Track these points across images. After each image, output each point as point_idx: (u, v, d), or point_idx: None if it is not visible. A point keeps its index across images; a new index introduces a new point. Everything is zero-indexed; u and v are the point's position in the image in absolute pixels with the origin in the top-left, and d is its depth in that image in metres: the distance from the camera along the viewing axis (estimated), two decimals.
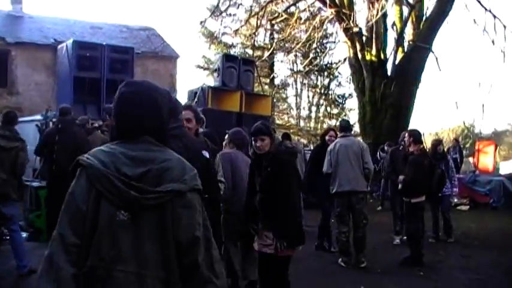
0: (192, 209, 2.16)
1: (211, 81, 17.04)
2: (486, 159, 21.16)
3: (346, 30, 17.28)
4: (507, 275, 7.87)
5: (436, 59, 18.41)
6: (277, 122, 30.78)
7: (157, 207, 2.10)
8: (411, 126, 16.73)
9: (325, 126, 34.45)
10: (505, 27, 17.73)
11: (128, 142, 2.23)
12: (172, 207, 2.11)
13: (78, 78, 10.93)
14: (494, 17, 17.96)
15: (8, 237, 8.01)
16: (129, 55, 12.01)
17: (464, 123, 33.85)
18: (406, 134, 8.90)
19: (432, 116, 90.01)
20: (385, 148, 12.71)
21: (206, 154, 3.86)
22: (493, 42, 17.97)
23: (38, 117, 11.20)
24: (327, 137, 9.31)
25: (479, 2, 17.72)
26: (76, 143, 7.72)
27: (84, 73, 11.05)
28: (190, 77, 47.45)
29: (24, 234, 8.61)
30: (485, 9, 17.91)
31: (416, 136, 8.52)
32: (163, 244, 2.11)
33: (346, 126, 9.13)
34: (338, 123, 17.10)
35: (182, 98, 25.96)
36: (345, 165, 8.17)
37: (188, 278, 2.17)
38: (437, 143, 10.73)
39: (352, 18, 16.32)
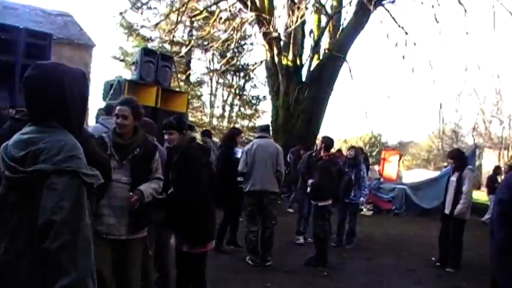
0: (54, 192, 2.09)
1: (127, 73, 16.90)
2: (390, 167, 22.00)
3: (265, 34, 17.53)
4: (403, 277, 8.32)
5: (350, 68, 19.05)
6: (191, 119, 30.75)
7: (29, 187, 2.11)
8: (322, 132, 17.25)
9: (238, 126, 34.75)
10: (415, 44, 18.59)
11: (31, 125, 2.27)
12: (40, 188, 2.09)
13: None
14: (406, 33, 18.79)
15: None
16: (46, 41, 11.70)
17: (372, 132, 35.12)
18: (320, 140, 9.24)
19: (343, 123, 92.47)
20: (299, 152, 13.06)
21: None
22: (403, 57, 18.81)
23: None
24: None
25: (393, 18, 18.48)
26: None
27: None
28: (106, 68, 46.55)
29: None
30: (399, 25, 18.70)
31: (327, 143, 8.85)
32: (28, 224, 2.10)
33: (265, 129, 9.35)
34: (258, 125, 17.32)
35: (97, 88, 25.62)
36: (260, 166, 8.37)
37: (45, 263, 2.08)
38: (349, 149, 11.14)
39: (271, 22, 16.59)
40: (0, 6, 24.60)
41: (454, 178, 9.15)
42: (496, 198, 3.28)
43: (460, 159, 9.27)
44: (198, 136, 11.39)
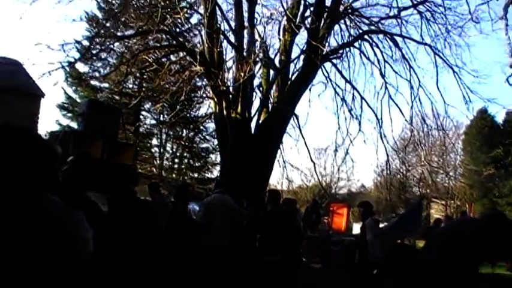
0: None
1: (74, 124, 16.70)
2: (339, 219, 22.21)
3: (214, 87, 17.61)
4: None
5: (298, 122, 19.31)
6: (140, 171, 30.47)
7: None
8: (271, 184, 17.30)
9: (187, 178, 34.60)
10: (362, 98, 19.03)
11: None
12: None
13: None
14: (354, 88, 19.24)
15: None
16: None
17: (320, 184, 35.33)
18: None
19: (292, 174, 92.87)
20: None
21: None
22: (350, 111, 19.21)
23: None
24: None
25: (340, 73, 18.92)
26: None
27: None
28: (51, 117, 45.88)
29: None
30: (346, 80, 19.15)
31: (271, 196, 8.89)
32: None
33: (221, 183, 9.38)
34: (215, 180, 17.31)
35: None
36: (219, 220, 8.34)
37: None
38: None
39: (220, 76, 16.71)
40: None
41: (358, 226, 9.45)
42: (428, 255, 3.27)
43: (366, 209, 9.52)
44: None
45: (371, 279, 9.35)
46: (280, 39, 18.56)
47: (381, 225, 13.18)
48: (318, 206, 22.06)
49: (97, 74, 29.98)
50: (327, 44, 17.91)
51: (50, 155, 2.38)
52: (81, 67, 30.17)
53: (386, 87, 19.44)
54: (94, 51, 20.13)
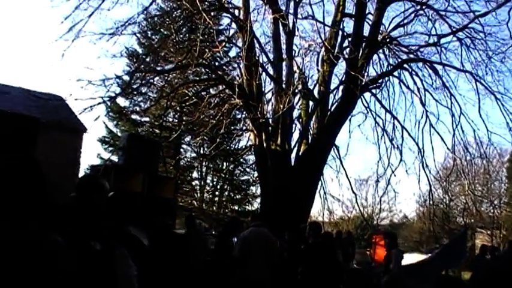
0: None
1: (115, 158, 16.86)
2: (382, 251, 21.80)
3: (253, 120, 17.60)
4: None
5: (339, 153, 19.14)
6: (180, 204, 30.52)
7: None
8: (312, 216, 17.12)
9: (227, 211, 34.55)
10: (403, 127, 18.79)
11: None
12: None
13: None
14: (394, 117, 19.02)
15: None
16: (33, 125, 11.74)
17: (362, 215, 34.88)
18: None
19: (333, 206, 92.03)
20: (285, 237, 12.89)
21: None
22: (390, 141, 18.97)
23: None
24: None
25: (380, 103, 18.75)
26: None
27: None
28: (93, 151, 46.61)
29: None
30: (386, 109, 18.96)
31: (312, 228, 8.74)
32: None
33: (259, 216, 9.29)
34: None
35: (84, 172, 25.48)
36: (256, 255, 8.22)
37: None
38: None
39: (259, 108, 16.70)
40: None
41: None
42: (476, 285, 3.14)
43: (391, 239, 9.33)
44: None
45: None
46: (318, 70, 18.54)
47: (424, 256, 12.91)
48: (351, 238, 21.72)
49: (137, 108, 30.38)
50: (366, 74, 17.78)
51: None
52: (122, 102, 30.63)
53: (427, 116, 19.14)
54: (134, 86, 20.36)
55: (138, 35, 27.20)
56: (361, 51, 17.39)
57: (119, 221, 4.26)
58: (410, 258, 24.94)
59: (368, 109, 19.73)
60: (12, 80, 65.52)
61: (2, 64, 64.85)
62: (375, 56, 19.16)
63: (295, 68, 18.03)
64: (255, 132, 18.31)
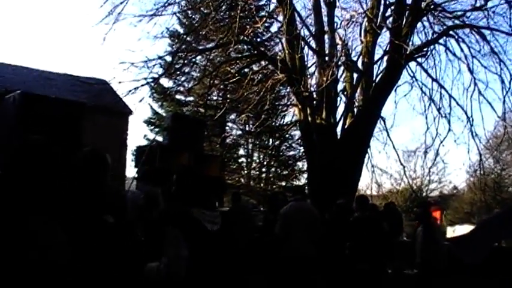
0: None
1: (160, 138, 16.97)
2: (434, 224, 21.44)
3: (297, 94, 17.47)
4: None
5: (385, 125, 18.83)
6: (228, 182, 30.63)
7: None
8: (360, 190, 16.94)
9: (275, 187, 34.56)
10: (450, 96, 18.34)
11: None
12: None
13: (23, 131, 10.64)
14: (441, 86, 18.57)
15: None
16: (79, 110, 11.81)
17: (411, 187, 34.41)
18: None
19: (381, 179, 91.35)
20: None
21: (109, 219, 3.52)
22: (438, 110, 18.56)
23: None
24: None
25: (426, 71, 18.32)
26: None
27: (30, 125, 10.77)
28: (142, 132, 47.36)
29: None
30: (432, 78, 18.51)
31: (359, 202, 8.61)
32: None
33: (300, 190, 9.16)
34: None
35: (131, 154, 25.78)
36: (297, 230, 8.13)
37: None
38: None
39: (303, 82, 16.54)
40: (38, 76, 25.27)
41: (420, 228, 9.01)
42: None
43: (421, 210, 9.12)
44: None
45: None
46: (361, 41, 18.20)
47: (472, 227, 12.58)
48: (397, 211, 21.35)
49: (181, 88, 30.45)
50: (410, 43, 17.35)
51: None
52: (166, 82, 30.73)
53: (475, 84, 18.57)
54: (177, 66, 20.44)
55: (179, 15, 27.23)
56: (404, 20, 16.99)
57: (180, 202, 4.25)
58: (461, 230, 24.61)
59: (414, 79, 19.28)
60: (57, 67, 66.77)
61: (47, 52, 66.10)
62: (419, 24, 18.65)
63: (337, 40, 17.75)
64: (300, 106, 18.17)
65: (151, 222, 4.75)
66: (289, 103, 24.92)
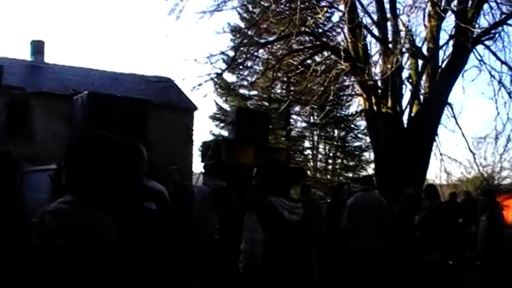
0: (66, 268, 2.08)
1: (226, 133, 17.11)
2: (505, 212, 20.83)
3: (362, 83, 17.27)
4: None
5: (453, 111, 18.35)
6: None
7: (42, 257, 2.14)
8: (428, 179, 16.59)
9: (341, 178, 34.32)
10: None
11: (70, 195, 2.26)
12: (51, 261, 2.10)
13: (92, 129, 10.94)
14: (511, 69, 17.95)
15: None
16: (144, 107, 12.05)
17: (482, 175, 33.47)
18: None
19: (450, 167, 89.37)
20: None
21: (151, 206, 3.56)
22: (509, 94, 17.93)
23: (53, 166, 11.26)
24: None
25: (494, 54, 17.74)
26: None
27: (98, 124, 11.04)
28: (207, 128, 47.99)
29: None
30: (502, 61, 17.91)
31: (428, 191, 8.41)
32: None
33: (368, 180, 9.02)
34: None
35: (197, 149, 26.12)
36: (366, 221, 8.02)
37: None
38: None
39: (367, 71, 16.33)
40: (106, 77, 25.91)
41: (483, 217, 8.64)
42: None
43: (488, 199, 8.73)
44: None
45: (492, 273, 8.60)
46: (425, 26, 17.74)
47: None
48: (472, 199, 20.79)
49: (245, 82, 30.62)
50: (477, 26, 16.85)
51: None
52: (229, 77, 30.95)
53: None
54: (240, 60, 20.50)
55: (239, 10, 27.38)
56: (470, 2, 16.52)
57: (261, 191, 4.30)
58: None
59: (482, 62, 18.65)
60: (123, 67, 68.28)
61: (114, 53, 67.68)
62: (486, 5, 18.04)
63: (400, 27, 17.39)
64: (365, 96, 17.96)
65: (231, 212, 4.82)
66: (353, 93, 24.65)
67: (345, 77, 23.01)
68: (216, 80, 21.64)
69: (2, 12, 72.31)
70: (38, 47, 27.30)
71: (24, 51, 48.60)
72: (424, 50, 17.93)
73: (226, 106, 34.54)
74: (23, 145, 21.35)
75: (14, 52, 64.18)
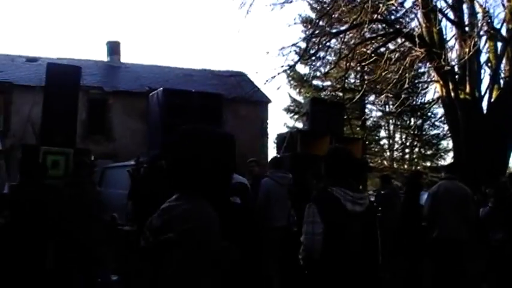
0: (176, 262, 2.05)
1: (300, 125, 17.07)
2: None
3: (438, 69, 16.88)
4: None
5: None
6: (370, 164, 30.27)
7: (159, 255, 2.10)
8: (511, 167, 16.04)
9: (419, 168, 33.69)
10: None
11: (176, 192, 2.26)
12: (162, 257, 2.07)
13: (168, 125, 11.12)
14: None
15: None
16: (218, 102, 12.14)
17: None
18: None
19: None
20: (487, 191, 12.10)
21: (235, 200, 3.54)
22: None
23: (132, 162, 11.58)
24: None
25: None
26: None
27: (174, 120, 11.21)
28: (281, 121, 48.11)
29: (115, 277, 8.94)
30: None
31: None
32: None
33: (451, 168, 8.77)
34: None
35: (272, 142, 26.25)
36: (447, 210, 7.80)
37: None
38: None
39: (443, 56, 15.92)
40: (179, 73, 26.36)
41: None
42: None
43: None
44: None
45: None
46: (504, 6, 17.19)
47: None
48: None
49: (318, 73, 30.42)
50: None
51: None
52: (302, 69, 30.84)
53: None
54: (312, 51, 20.40)
55: (309, 0, 27.26)
56: None
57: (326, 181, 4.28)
58: None
59: None
60: (195, 63, 69.33)
61: (186, 50, 68.81)
62: None
63: (477, 8, 16.92)
64: (441, 82, 17.55)
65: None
66: (429, 80, 24.15)
67: (420, 64, 22.57)
68: (288, 72, 21.62)
69: (79, 15, 74.73)
70: (113, 48, 28.12)
71: (101, 52, 50.07)
72: (503, 32, 17.36)
73: (299, 98, 34.50)
74: (102, 143, 22.06)
75: (91, 53, 66.15)
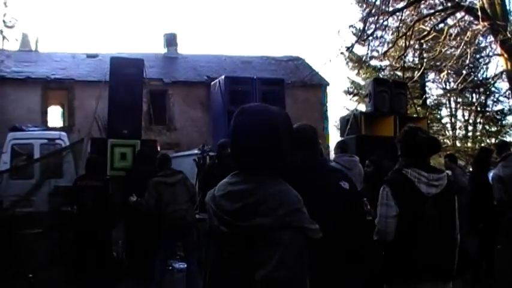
0: (277, 247, 1.93)
1: (360, 106, 16.90)
2: None
3: (502, 43, 16.40)
4: None
5: None
6: None
7: (245, 241, 1.99)
8: None
9: (483, 145, 32.92)
10: None
11: (239, 174, 2.17)
12: (258, 242, 1.95)
13: (231, 113, 11.15)
14: None
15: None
16: (279, 86, 12.16)
17: None
18: None
19: None
20: None
21: (345, 185, 3.49)
22: None
23: (196, 151, 11.72)
24: None
25: None
26: None
27: (237, 107, 11.24)
28: (340, 104, 47.83)
29: (183, 265, 9.09)
30: None
31: None
32: (244, 280, 1.98)
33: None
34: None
35: (333, 125, 26.10)
36: None
37: None
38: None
39: (508, 28, 15.47)
40: (237, 61, 26.45)
41: None
42: None
43: None
44: None
45: None
46: None
47: None
48: None
49: (376, 54, 30.00)
50: None
51: None
52: (359, 49, 30.48)
53: None
54: (369, 32, 20.15)
55: None
56: None
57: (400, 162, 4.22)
58: None
59: None
60: (252, 50, 69.56)
61: (242, 37, 69.14)
62: None
63: None
64: (506, 55, 17.07)
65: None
66: (492, 54, 23.53)
67: (481, 38, 22.01)
68: (346, 53, 21.39)
69: (135, 10, 75.99)
70: (170, 39, 28.44)
71: (158, 45, 50.84)
72: None
73: (358, 79, 34.14)
74: (164, 133, 22.35)
75: (148, 47, 67.14)
